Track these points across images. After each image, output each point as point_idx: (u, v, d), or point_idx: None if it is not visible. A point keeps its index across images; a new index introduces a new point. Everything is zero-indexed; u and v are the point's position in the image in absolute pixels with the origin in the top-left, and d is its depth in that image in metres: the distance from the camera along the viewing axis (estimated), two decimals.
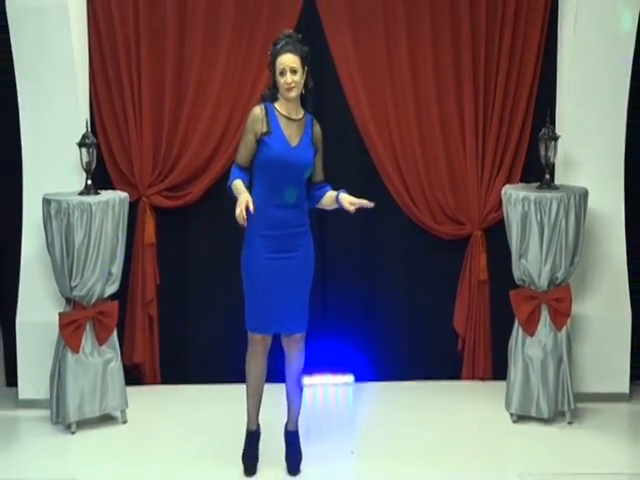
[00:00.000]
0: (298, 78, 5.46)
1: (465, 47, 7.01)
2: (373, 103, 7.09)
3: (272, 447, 5.91)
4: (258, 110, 5.54)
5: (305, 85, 5.54)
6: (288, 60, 5.45)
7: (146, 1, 6.96)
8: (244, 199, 5.25)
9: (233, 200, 5.36)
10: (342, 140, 7.15)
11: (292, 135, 5.53)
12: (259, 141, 5.51)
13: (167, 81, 7.03)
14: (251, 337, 5.70)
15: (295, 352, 5.71)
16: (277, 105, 5.56)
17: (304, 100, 5.60)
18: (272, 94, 5.59)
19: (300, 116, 5.58)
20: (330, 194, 5.64)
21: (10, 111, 6.77)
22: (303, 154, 5.53)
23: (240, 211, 5.19)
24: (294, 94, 5.47)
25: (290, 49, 5.49)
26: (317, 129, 5.64)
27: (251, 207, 5.21)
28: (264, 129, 5.49)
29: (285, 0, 6.99)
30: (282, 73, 5.44)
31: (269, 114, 5.52)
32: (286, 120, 5.53)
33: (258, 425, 5.85)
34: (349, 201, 5.50)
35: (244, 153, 5.55)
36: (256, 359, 5.72)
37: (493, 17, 6.99)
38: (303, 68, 5.50)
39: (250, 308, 5.65)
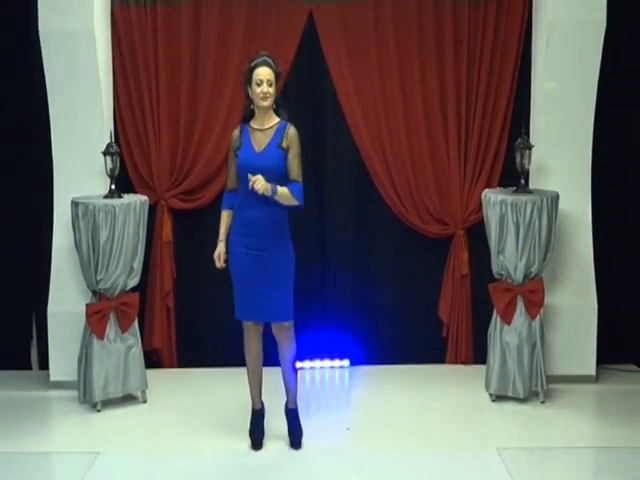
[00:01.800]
0: (272, 90, 5.53)
1: (449, 68, 7.01)
2: (366, 116, 7.07)
3: (277, 424, 5.94)
4: (235, 132, 5.68)
5: (276, 99, 5.59)
6: (265, 73, 5.52)
7: (164, 24, 6.97)
8: (217, 252, 5.71)
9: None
10: (340, 151, 7.17)
11: (260, 143, 5.57)
12: (235, 157, 5.62)
13: (183, 97, 7.04)
14: (243, 324, 5.75)
15: (284, 339, 5.71)
16: (252, 122, 5.62)
17: (278, 111, 5.63)
18: (248, 112, 5.64)
19: (271, 124, 5.60)
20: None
21: (42, 124, 6.79)
22: (267, 158, 5.52)
23: (217, 260, 5.69)
24: (268, 103, 5.52)
25: (267, 64, 5.56)
26: (289, 131, 5.58)
27: (221, 260, 5.69)
28: (236, 145, 5.62)
29: (288, 24, 7.00)
30: (259, 84, 5.49)
31: (242, 132, 5.63)
32: (255, 131, 5.59)
33: (262, 404, 5.89)
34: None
35: (232, 174, 5.71)
36: (249, 344, 5.77)
37: (473, 51, 7.00)
38: (276, 83, 5.56)
39: (235, 297, 5.72)
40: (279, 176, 5.53)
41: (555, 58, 6.64)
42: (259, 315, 5.70)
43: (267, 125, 5.61)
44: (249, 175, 5.42)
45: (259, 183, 5.38)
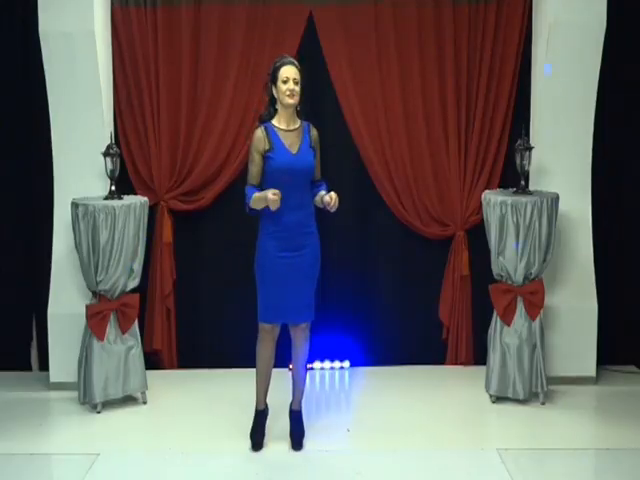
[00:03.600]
0: (299, 89, 5.54)
1: (449, 71, 7.03)
2: (366, 117, 7.09)
3: (277, 425, 5.96)
4: (259, 132, 5.58)
5: (300, 101, 5.60)
6: (292, 71, 5.53)
7: (164, 25, 6.98)
8: (268, 191, 5.34)
9: (257, 211, 5.52)
10: (340, 152, 7.16)
11: (292, 144, 5.57)
12: (265, 158, 5.54)
13: (183, 98, 7.05)
14: (262, 326, 5.71)
15: (301, 340, 5.74)
16: (274, 122, 5.61)
17: (298, 112, 5.65)
18: (269, 112, 5.63)
19: (297, 125, 5.62)
20: (318, 196, 5.63)
21: (42, 125, 6.80)
22: (304, 159, 5.56)
23: (272, 198, 5.30)
24: (294, 101, 5.52)
25: (293, 64, 5.58)
26: (314, 132, 5.66)
27: (277, 192, 5.32)
28: (267, 147, 5.54)
29: (288, 25, 7.01)
30: (285, 81, 5.49)
31: (269, 132, 5.56)
32: (284, 132, 5.57)
33: (266, 405, 5.89)
34: (322, 199, 5.52)
35: (254, 172, 5.58)
36: (265, 346, 5.74)
37: (473, 49, 7.04)
38: (301, 83, 5.57)
39: (263, 301, 5.66)
40: (311, 177, 5.62)
41: (555, 59, 6.64)
42: (288, 317, 5.70)
43: (293, 126, 5.62)
44: (327, 198, 5.43)
45: (335, 204, 5.45)
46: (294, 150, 5.57)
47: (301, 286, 5.63)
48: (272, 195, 5.32)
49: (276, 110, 5.62)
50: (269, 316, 5.68)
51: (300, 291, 5.63)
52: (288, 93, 5.49)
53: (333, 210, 5.48)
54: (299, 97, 5.55)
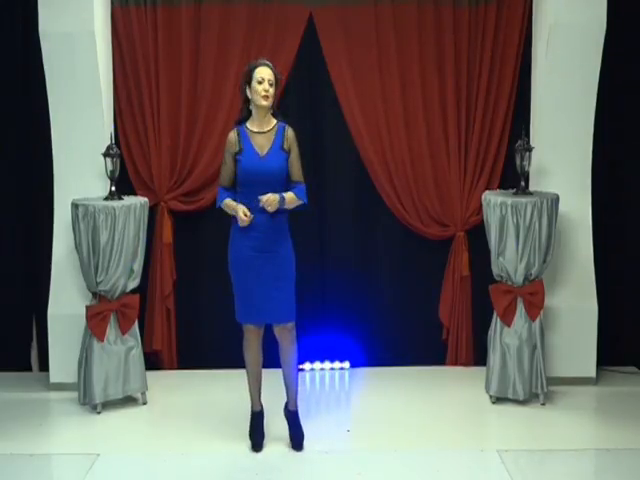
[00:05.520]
0: (273, 91, 5.54)
1: (449, 72, 7.04)
2: (366, 118, 7.09)
3: (277, 426, 5.96)
4: (232, 135, 5.63)
5: (274, 104, 5.61)
6: (267, 73, 5.55)
7: (164, 24, 6.99)
8: (240, 209, 5.49)
9: (227, 213, 5.63)
10: (340, 153, 7.20)
11: (262, 146, 5.58)
12: (235, 160, 5.59)
13: (183, 98, 7.06)
14: (244, 326, 5.74)
15: (286, 341, 5.71)
16: (248, 124, 5.62)
17: (274, 114, 5.66)
18: (244, 115, 5.65)
19: (270, 127, 5.62)
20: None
21: (42, 125, 6.82)
22: (272, 161, 5.56)
23: (242, 218, 5.46)
24: (268, 102, 5.52)
25: (268, 66, 5.59)
26: (288, 133, 5.63)
27: (248, 214, 5.47)
28: (237, 149, 5.58)
29: (288, 27, 7.02)
30: (260, 82, 5.50)
31: (241, 135, 5.60)
32: (255, 134, 5.59)
33: (262, 406, 5.89)
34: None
35: (225, 175, 5.67)
36: (250, 346, 5.76)
37: (473, 50, 7.05)
38: (276, 87, 5.57)
39: (239, 301, 5.70)
40: (282, 178, 5.60)
41: (555, 60, 6.65)
42: (263, 317, 5.68)
43: (266, 128, 5.62)
44: (259, 197, 5.46)
45: (270, 204, 5.46)
46: (263, 152, 5.58)
47: (276, 285, 5.61)
48: (243, 216, 5.49)
49: (250, 112, 5.63)
50: (245, 316, 5.71)
51: (276, 290, 5.60)
52: (263, 94, 5.50)
53: (270, 210, 5.48)
54: (273, 99, 5.56)
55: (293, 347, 5.74)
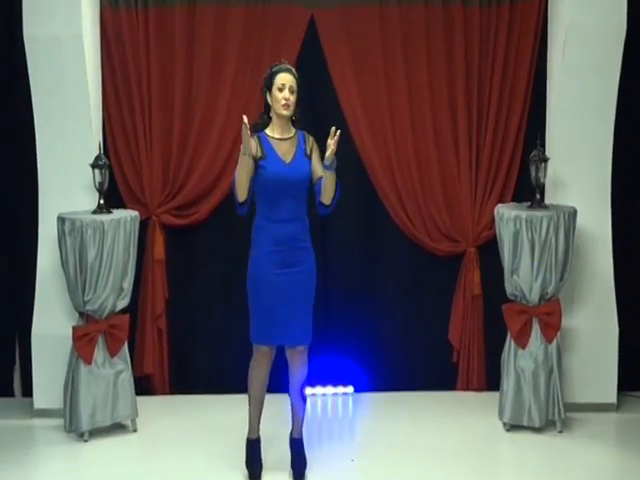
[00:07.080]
0: (294, 99, 5.50)
1: (459, 77, 6.99)
2: (371, 126, 7.05)
3: (276, 454, 5.89)
4: (252, 140, 5.55)
5: (295, 111, 5.56)
6: (288, 79, 5.49)
7: (156, 28, 6.96)
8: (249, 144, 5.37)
9: (246, 208, 5.48)
10: (343, 162, 6.97)
11: (286, 153, 5.54)
12: (257, 166, 5.48)
13: (176, 107, 7.03)
14: (257, 348, 5.66)
15: (299, 363, 5.66)
16: (268, 131, 5.57)
17: (293, 122, 5.62)
18: (263, 121, 5.61)
19: (291, 134, 5.59)
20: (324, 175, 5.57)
21: (27, 134, 6.76)
22: (298, 168, 5.53)
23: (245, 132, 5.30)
24: (288, 112, 5.49)
25: (290, 71, 5.55)
26: (310, 140, 5.64)
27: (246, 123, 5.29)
28: (259, 154, 5.49)
29: (288, 30, 6.99)
30: (281, 89, 5.45)
31: (262, 141, 5.53)
32: (277, 141, 5.54)
33: (259, 433, 5.81)
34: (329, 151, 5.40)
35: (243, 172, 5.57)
36: (260, 369, 5.68)
37: (485, 54, 6.99)
38: (297, 93, 5.53)
39: (257, 321, 5.61)
40: (307, 185, 5.58)
41: (572, 64, 6.64)
42: (282, 339, 5.62)
43: (287, 135, 5.59)
44: (333, 128, 5.35)
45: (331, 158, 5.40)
46: (288, 159, 5.54)
47: (297, 305, 5.57)
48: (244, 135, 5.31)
49: (270, 118, 5.60)
50: (263, 337, 5.61)
51: (296, 311, 5.57)
52: (283, 103, 5.46)
53: (333, 148, 5.37)
54: (294, 107, 5.53)
55: (303, 370, 5.70)
